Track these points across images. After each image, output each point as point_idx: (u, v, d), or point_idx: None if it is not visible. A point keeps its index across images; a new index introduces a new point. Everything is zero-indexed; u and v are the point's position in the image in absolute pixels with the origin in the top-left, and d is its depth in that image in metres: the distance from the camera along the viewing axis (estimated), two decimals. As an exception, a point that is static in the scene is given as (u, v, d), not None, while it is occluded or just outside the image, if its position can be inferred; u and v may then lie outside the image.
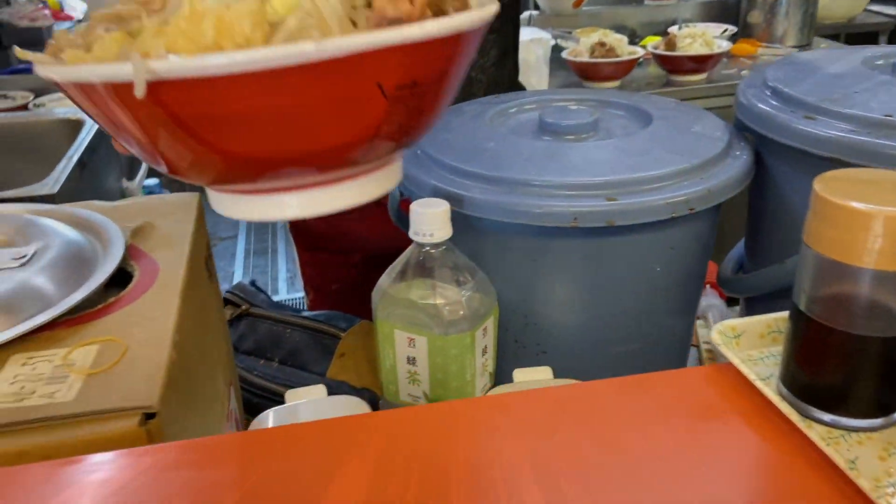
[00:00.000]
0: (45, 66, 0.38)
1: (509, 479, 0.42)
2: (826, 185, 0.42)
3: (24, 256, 0.59)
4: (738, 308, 1.11)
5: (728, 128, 0.85)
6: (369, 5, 0.39)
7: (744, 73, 2.23)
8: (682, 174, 0.74)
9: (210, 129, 0.38)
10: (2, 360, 0.51)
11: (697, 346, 1.06)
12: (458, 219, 0.73)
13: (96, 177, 1.70)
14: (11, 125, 1.74)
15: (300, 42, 0.35)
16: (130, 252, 0.65)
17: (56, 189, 1.39)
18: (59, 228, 0.65)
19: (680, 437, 0.45)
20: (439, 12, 0.42)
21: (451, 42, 0.40)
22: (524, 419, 0.47)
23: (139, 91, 0.35)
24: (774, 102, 0.82)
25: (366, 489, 0.42)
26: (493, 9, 0.43)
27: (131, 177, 1.97)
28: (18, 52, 0.42)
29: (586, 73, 2.22)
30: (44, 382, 0.49)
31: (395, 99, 0.40)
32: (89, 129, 1.65)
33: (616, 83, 2.21)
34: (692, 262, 0.80)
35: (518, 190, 0.74)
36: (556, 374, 0.73)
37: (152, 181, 3.11)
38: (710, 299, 1.13)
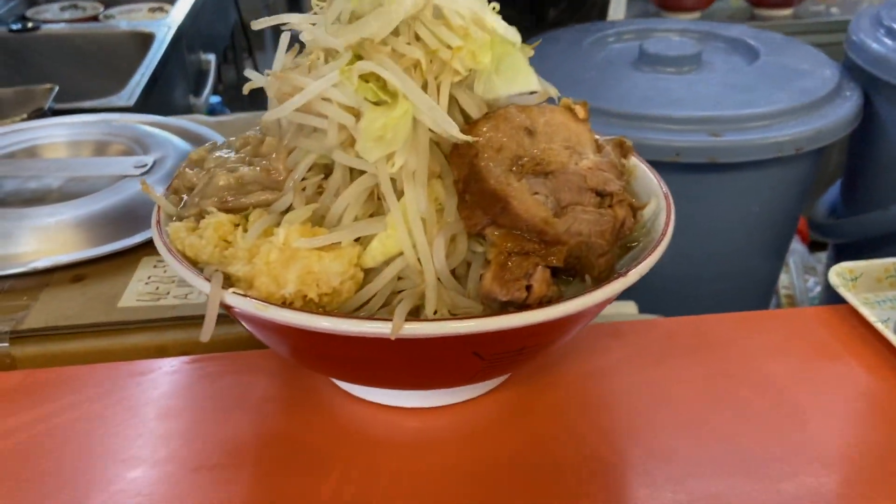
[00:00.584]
0: (156, 239, 0.37)
1: (630, 399, 0.43)
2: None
3: (144, 165, 0.61)
4: (821, 255, 1.10)
5: (838, 67, 0.82)
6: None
7: (833, 10, 2.12)
8: (790, 113, 0.72)
9: (291, 351, 0.38)
10: (134, 262, 0.54)
11: (777, 292, 1.06)
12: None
13: (166, 91, 1.72)
14: (82, 36, 1.75)
15: (375, 322, 0.31)
16: (240, 166, 0.67)
17: (132, 102, 1.41)
18: (172, 140, 0.67)
19: (793, 374, 0.46)
20: (577, 265, 0.35)
21: (572, 318, 0.33)
22: (637, 347, 0.48)
23: (204, 335, 0.34)
24: (889, 42, 0.79)
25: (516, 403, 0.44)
26: (632, 279, 0.34)
27: (198, 93, 1.99)
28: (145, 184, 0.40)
29: (666, 3, 2.14)
30: (175, 284, 0.52)
31: (497, 360, 0.36)
32: (160, 44, 1.66)
33: (696, 15, 2.13)
34: (790, 204, 0.79)
35: (618, 122, 0.73)
36: (641, 310, 0.74)
37: (215, 99, 3.13)
38: (792, 244, 1.11)
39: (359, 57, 0.35)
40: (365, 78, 0.35)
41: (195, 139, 0.70)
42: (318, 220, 0.36)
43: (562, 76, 0.81)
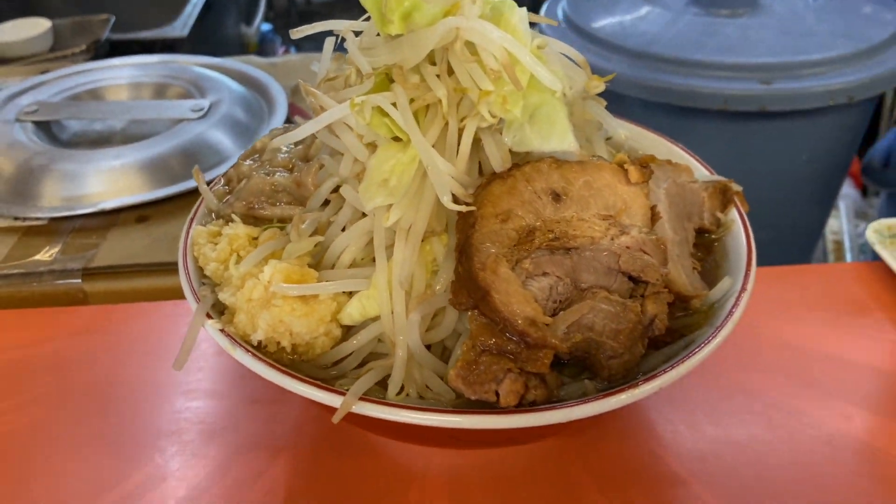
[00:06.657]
0: (182, 238, 0.37)
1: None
2: None
3: (201, 109, 0.64)
4: (874, 200, 1.08)
5: (901, 9, 0.79)
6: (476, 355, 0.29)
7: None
8: (846, 60, 0.70)
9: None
10: (194, 202, 0.57)
11: (824, 237, 1.04)
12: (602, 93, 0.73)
13: (219, 20, 1.73)
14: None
15: (322, 392, 0.29)
16: (291, 109, 0.69)
17: (186, 32, 1.42)
18: (228, 83, 0.69)
19: (821, 330, 0.47)
20: (587, 360, 0.31)
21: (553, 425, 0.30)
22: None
23: (177, 363, 0.33)
24: (960, -18, 0.75)
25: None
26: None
27: (249, 22, 1.99)
28: None
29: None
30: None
31: (487, 443, 0.36)
32: (214, -29, 1.65)
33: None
34: (841, 153, 0.77)
35: (666, 68, 0.72)
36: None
37: (266, 26, 3.12)
38: (844, 189, 1.09)
39: (391, 80, 0.32)
40: (383, 110, 0.31)
41: (250, 82, 0.72)
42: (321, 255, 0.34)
43: (608, 16, 0.80)
